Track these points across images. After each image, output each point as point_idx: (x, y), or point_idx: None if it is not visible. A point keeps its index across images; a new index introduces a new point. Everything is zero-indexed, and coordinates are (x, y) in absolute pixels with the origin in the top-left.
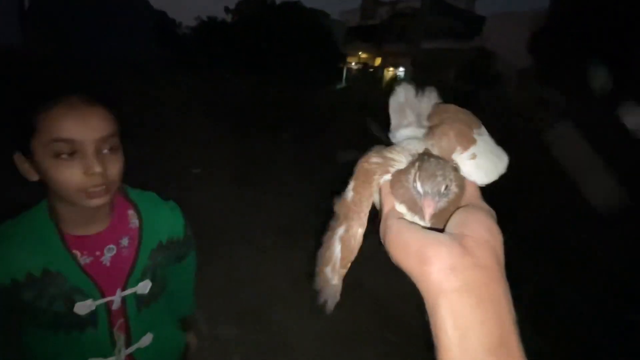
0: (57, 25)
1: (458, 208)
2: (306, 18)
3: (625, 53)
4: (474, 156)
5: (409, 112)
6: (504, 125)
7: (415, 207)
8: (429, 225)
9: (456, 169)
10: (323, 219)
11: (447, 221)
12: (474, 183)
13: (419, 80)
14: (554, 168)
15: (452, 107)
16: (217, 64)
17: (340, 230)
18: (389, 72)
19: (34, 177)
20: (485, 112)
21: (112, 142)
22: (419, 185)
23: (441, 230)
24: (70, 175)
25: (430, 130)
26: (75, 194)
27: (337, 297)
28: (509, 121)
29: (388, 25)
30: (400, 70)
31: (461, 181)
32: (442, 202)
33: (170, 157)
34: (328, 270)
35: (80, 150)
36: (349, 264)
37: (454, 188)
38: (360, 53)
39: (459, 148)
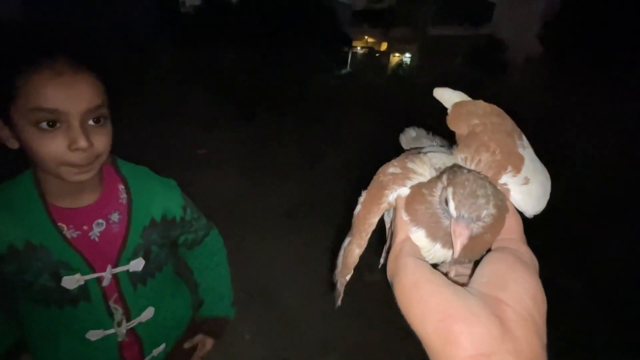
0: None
1: (490, 250)
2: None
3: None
4: (526, 180)
5: (425, 141)
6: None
7: (437, 232)
8: (453, 257)
9: (497, 189)
10: (326, 203)
11: (476, 253)
12: (516, 215)
13: (425, 66)
14: (563, 159)
15: (480, 106)
16: (221, 44)
17: (346, 241)
18: (395, 57)
19: (14, 145)
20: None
21: (100, 113)
22: (452, 205)
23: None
24: (52, 148)
25: (460, 141)
26: (56, 168)
27: (338, 302)
28: (517, 112)
29: (395, 10)
30: (407, 56)
31: (502, 201)
32: (478, 228)
33: (174, 137)
34: (335, 273)
35: (64, 122)
36: (348, 277)
37: (492, 209)
38: (366, 37)
39: (510, 167)
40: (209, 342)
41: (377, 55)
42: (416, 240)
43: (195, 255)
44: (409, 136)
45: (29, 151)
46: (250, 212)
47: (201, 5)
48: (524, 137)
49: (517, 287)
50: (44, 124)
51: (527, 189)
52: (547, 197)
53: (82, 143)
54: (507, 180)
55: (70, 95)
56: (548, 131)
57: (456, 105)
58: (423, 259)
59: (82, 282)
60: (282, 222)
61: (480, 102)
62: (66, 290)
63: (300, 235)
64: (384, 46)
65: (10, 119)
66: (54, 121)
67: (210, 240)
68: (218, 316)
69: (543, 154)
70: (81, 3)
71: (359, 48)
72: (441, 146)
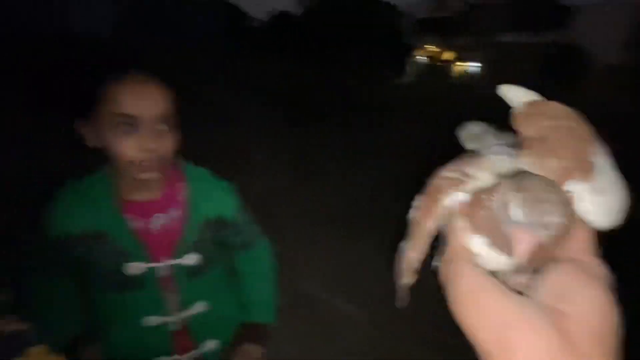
0: (140, 18)
1: (554, 259)
2: (374, 11)
3: None
4: (595, 189)
5: (490, 138)
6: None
7: (496, 239)
8: (512, 265)
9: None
10: (371, 211)
11: (537, 262)
12: (584, 225)
13: (491, 76)
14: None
15: (553, 108)
16: (285, 55)
17: (404, 247)
18: (458, 66)
19: (95, 143)
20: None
21: (168, 119)
22: (518, 211)
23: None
24: (125, 148)
25: (525, 144)
26: (127, 165)
27: (403, 302)
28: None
29: (462, 18)
30: (471, 65)
31: (570, 210)
32: (545, 237)
33: (235, 143)
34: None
35: (137, 125)
36: (408, 283)
37: (557, 217)
38: (428, 46)
39: (577, 174)
40: (256, 350)
41: (439, 64)
42: (473, 247)
43: (243, 259)
44: (471, 133)
45: (106, 149)
46: (295, 218)
47: (267, 19)
48: (601, 147)
49: (582, 300)
50: (122, 127)
51: (596, 199)
52: (622, 211)
53: (150, 145)
54: (574, 187)
55: (145, 103)
56: (631, 146)
57: (526, 104)
58: (480, 266)
59: (141, 270)
60: (326, 229)
61: (554, 103)
62: (126, 277)
63: (343, 242)
64: (447, 55)
65: (94, 121)
66: (130, 125)
67: (259, 246)
68: (258, 322)
69: (621, 168)
70: (157, 21)
71: (420, 57)
72: (507, 145)
